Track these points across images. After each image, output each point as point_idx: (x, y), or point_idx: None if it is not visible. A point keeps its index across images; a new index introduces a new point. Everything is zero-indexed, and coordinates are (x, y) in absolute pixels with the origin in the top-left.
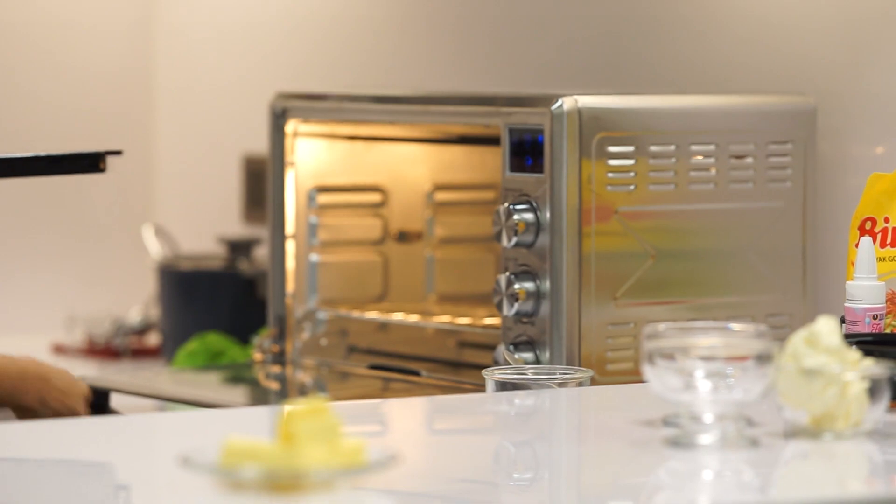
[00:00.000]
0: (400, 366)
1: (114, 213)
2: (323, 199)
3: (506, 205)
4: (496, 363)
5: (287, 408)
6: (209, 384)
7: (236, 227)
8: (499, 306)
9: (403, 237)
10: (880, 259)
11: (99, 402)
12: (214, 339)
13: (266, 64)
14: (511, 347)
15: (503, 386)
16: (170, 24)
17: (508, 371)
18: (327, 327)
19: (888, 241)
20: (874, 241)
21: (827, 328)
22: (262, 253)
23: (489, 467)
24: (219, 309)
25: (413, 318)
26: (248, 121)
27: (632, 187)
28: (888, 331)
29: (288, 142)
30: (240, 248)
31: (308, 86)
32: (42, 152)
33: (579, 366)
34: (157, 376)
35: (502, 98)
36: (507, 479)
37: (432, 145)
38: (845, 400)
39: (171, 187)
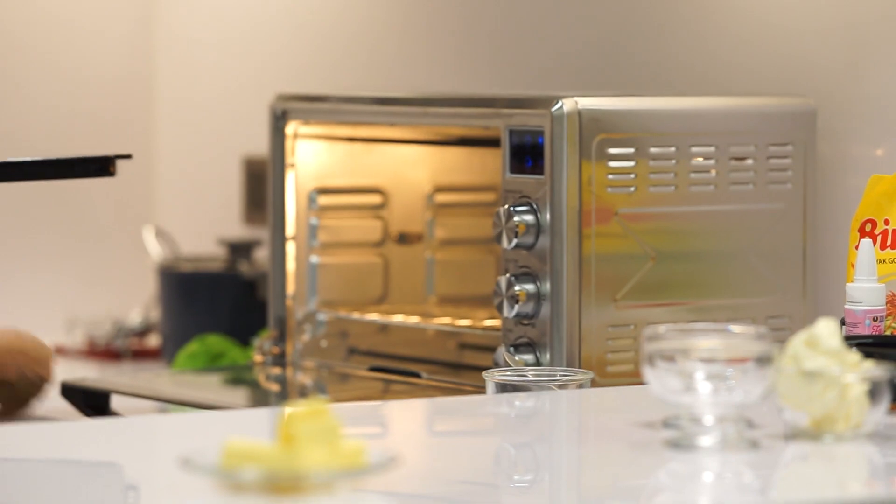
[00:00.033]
0: (400, 367)
1: (114, 215)
2: (323, 200)
3: (506, 206)
4: (496, 365)
5: (287, 409)
6: (209, 386)
7: (237, 229)
8: (499, 308)
9: (404, 239)
10: (880, 261)
11: (99, 404)
12: (215, 341)
13: (266, 66)
14: (511, 349)
15: (503, 388)
16: (170, 26)
17: (509, 373)
18: (328, 329)
19: (888, 243)
20: (874, 243)
21: (827, 330)
22: (262, 255)
23: (489, 469)
24: (219, 311)
25: (413, 319)
26: (249, 122)
27: (632, 189)
28: (888, 333)
29: (288, 143)
30: (240, 249)
31: (308, 87)
32: (50, 156)
33: (579, 368)
34: (157, 378)
35: (502, 100)
36: (508, 481)
37: (432, 147)
38: (845, 402)
39: (171, 189)
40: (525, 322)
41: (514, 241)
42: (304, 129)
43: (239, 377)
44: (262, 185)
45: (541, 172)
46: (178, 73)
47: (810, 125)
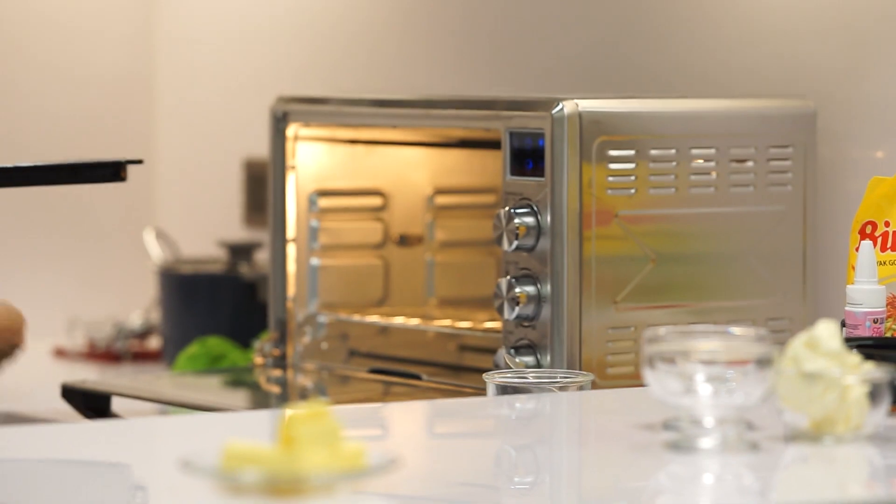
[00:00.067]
0: (401, 369)
1: (115, 217)
2: (324, 202)
3: (506, 208)
4: (497, 367)
5: (288, 411)
6: (210, 388)
7: (237, 231)
8: (499, 310)
9: (404, 241)
10: (881, 263)
11: (100, 406)
12: (215, 343)
13: (267, 68)
14: (512, 351)
15: (504, 389)
16: (170, 28)
17: (509, 375)
18: (328, 331)
19: (888, 244)
20: (874, 244)
21: (827, 332)
22: (262, 257)
23: (490, 471)
24: (220, 313)
25: (414, 321)
26: (249, 125)
27: (632, 191)
28: (888, 334)
29: (289, 145)
30: (241, 251)
31: (309, 90)
32: (51, 159)
33: (580, 369)
34: (157, 380)
35: (503, 102)
36: (508, 483)
37: (433, 149)
38: (845, 404)
39: (172, 191)
40: (525, 324)
41: (515, 243)
42: (305, 132)
43: (239, 379)
44: (262, 187)
45: (541, 174)
46: (179, 76)
47: (810, 127)
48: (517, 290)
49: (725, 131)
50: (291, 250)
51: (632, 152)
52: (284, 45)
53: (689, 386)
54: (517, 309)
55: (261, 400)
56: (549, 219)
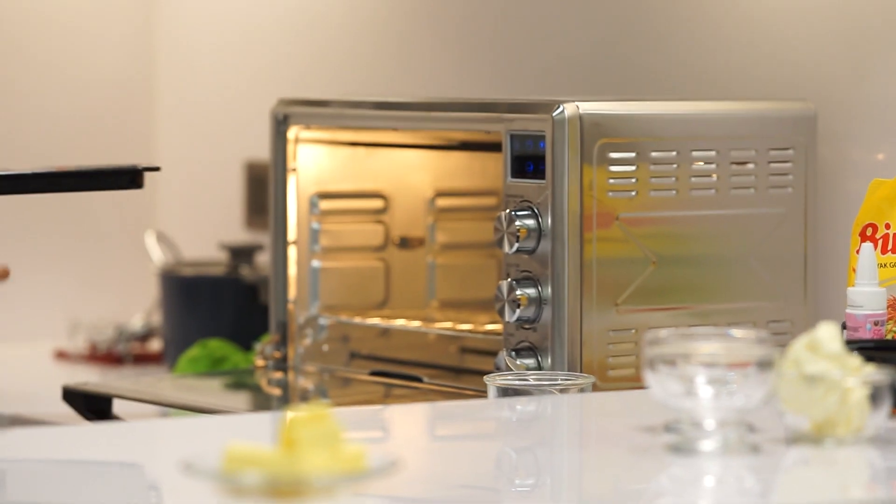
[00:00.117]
0: (402, 372)
1: (116, 219)
2: (325, 205)
3: (507, 211)
4: (498, 369)
5: (289, 414)
6: (211, 390)
7: (238, 234)
8: (500, 312)
9: (405, 243)
10: (881, 265)
11: (101, 409)
12: (216, 346)
13: (268, 70)
14: (513, 353)
15: (505, 392)
16: (171, 31)
17: (510, 377)
18: (329, 333)
19: (889, 247)
20: (875, 247)
21: (828, 334)
22: (263, 259)
23: (491, 473)
24: (221, 315)
25: (415, 324)
26: (250, 127)
27: (633, 193)
28: (889, 337)
29: (290, 148)
30: (242, 254)
31: (310, 92)
32: (80, 167)
33: (581, 372)
34: (159, 382)
35: (503, 104)
36: (509, 486)
37: (434, 152)
38: (846, 406)
39: (173, 194)
40: (526, 326)
41: (516, 245)
42: (306, 134)
43: (240, 381)
44: (263, 189)
45: (542, 177)
46: (180, 78)
47: (811, 129)
48: (518, 292)
49: (726, 133)
50: (292, 252)
51: (632, 154)
52: (285, 47)
53: (689, 388)
54: (518, 311)
55: (262, 402)
56: (549, 221)
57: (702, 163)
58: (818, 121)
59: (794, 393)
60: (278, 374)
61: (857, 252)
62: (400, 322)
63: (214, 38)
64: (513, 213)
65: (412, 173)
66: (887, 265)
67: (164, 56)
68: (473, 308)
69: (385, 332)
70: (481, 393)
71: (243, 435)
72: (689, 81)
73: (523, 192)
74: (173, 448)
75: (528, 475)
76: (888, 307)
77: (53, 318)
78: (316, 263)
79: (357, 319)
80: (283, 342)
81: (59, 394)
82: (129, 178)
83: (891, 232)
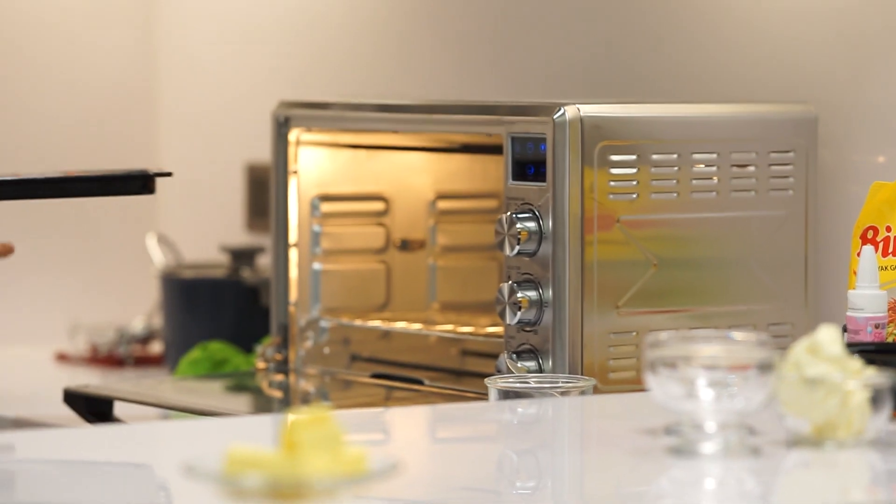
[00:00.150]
0: (403, 374)
1: (117, 222)
2: (326, 207)
3: (508, 213)
4: (499, 372)
5: (290, 416)
6: (212, 393)
7: (239, 236)
8: (501, 315)
9: (406, 246)
10: (882, 268)
11: (102, 411)
12: (217, 348)
13: (269, 73)
14: (514, 356)
15: (506, 394)
16: (172, 34)
17: (511, 379)
18: (330, 336)
19: (890, 250)
20: (876, 250)
21: (829, 337)
22: (265, 261)
23: (492, 476)
24: (222, 317)
25: (416, 326)
26: (252, 130)
27: (634, 196)
28: (890, 340)
29: (291, 150)
30: (243, 256)
31: (311, 95)
32: (92, 173)
33: (582, 374)
34: (160, 385)
35: (504, 107)
36: (510, 488)
37: (435, 154)
38: (847, 409)
39: (174, 196)
40: (527, 329)
41: (517, 248)
42: (307, 136)
43: (242, 384)
44: (264, 192)
45: (543, 179)
46: (181, 81)
47: (812, 132)
48: (519, 294)
49: (727, 136)
50: (294, 255)
51: (633, 157)
52: (286, 49)
53: (690, 391)
54: (519, 314)
55: (263, 405)
56: (550, 224)
57: (702, 165)
58: (819, 123)
59: (794, 396)
60: (279, 377)
61: (858, 255)
62: (401, 324)
63: (215, 41)
64: (514, 215)
65: (413, 176)
66: (888, 268)
67: (165, 59)
68: (474, 310)
69: (386, 335)
70: (482, 395)
71: (244, 437)
72: (690, 84)
73: (524, 194)
74: (175, 450)
75: (530, 477)
76: (889, 310)
77: (54, 321)
78: (317, 266)
79: (358, 322)
80: (284, 344)
81: (60, 396)
82: (140, 183)
83: (892, 235)
